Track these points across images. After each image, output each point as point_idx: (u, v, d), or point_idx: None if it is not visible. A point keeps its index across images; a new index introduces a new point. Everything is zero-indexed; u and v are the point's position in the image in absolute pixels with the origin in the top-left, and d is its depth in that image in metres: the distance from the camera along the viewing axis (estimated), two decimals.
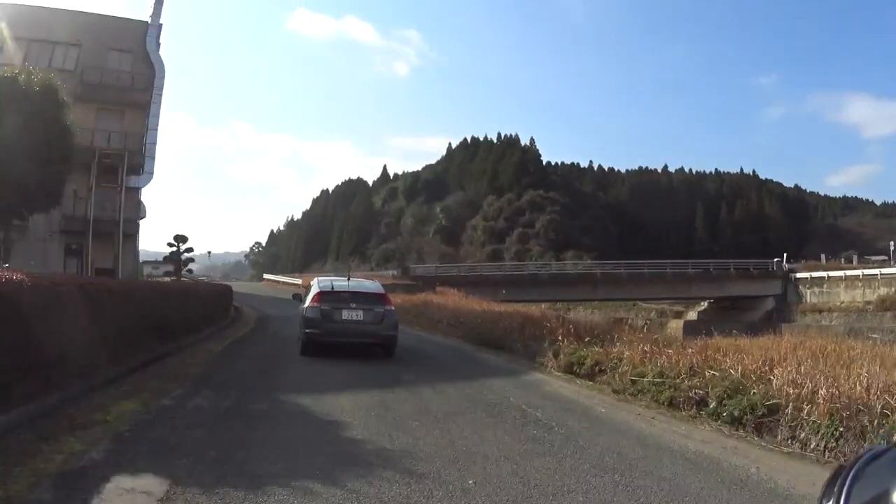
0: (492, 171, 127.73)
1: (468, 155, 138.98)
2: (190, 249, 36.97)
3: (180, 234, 36.50)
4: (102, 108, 34.12)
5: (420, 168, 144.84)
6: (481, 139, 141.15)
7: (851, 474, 0.99)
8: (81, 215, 31.41)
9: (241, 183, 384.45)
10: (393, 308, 13.64)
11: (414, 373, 11.07)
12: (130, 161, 33.09)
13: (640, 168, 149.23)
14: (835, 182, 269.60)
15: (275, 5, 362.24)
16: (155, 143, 34.79)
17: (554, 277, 55.94)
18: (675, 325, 50.79)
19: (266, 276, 62.80)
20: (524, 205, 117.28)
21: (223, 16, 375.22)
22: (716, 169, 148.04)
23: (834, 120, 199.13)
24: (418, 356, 14.01)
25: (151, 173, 34.86)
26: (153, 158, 34.64)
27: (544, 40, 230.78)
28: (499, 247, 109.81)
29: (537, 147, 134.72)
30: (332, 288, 13.39)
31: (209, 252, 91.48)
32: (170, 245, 36.25)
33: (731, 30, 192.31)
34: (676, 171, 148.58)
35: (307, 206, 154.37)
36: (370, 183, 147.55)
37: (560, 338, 12.25)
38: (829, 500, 0.98)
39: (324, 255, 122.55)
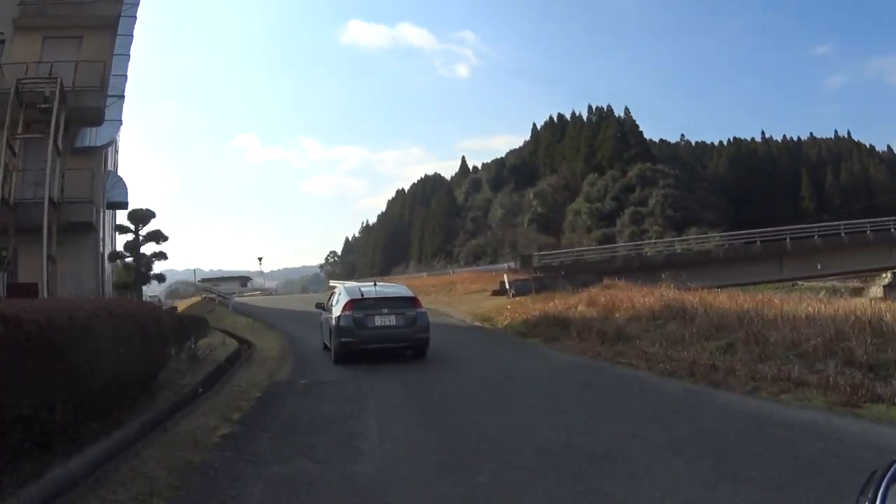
0: (587, 148, 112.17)
1: (556, 134, 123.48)
2: (158, 234, 23.45)
3: (140, 209, 23.45)
4: (51, 35, 21.25)
5: (503, 154, 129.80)
6: (568, 116, 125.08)
7: (887, 478, 0.99)
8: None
9: (315, 197, 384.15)
10: (424, 310, 13.80)
11: None
12: (82, 104, 19.75)
13: (735, 139, 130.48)
14: None
15: (328, 20, 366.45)
16: (126, 77, 21.52)
17: (731, 253, 40.16)
18: None
19: (333, 282, 49.76)
20: (632, 180, 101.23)
21: (279, 35, 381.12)
22: (811, 133, 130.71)
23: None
24: None
25: (118, 122, 21.61)
26: (122, 100, 21.33)
27: (598, 28, 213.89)
28: (609, 230, 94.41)
29: (634, 118, 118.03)
30: (363, 295, 13.48)
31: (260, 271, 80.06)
32: (121, 230, 23.26)
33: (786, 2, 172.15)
34: (764, 140, 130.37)
35: (376, 219, 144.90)
36: (448, 178, 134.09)
37: None
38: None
39: (404, 258, 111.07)
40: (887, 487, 0.98)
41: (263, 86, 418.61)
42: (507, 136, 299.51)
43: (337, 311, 13.38)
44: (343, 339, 12.83)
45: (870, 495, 0.99)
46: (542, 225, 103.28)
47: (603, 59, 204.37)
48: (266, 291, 66.97)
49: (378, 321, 12.95)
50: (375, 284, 15.22)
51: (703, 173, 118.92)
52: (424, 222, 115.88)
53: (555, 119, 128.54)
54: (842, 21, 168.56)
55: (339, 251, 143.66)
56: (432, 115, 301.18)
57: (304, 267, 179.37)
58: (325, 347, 14.87)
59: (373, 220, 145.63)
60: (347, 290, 14.27)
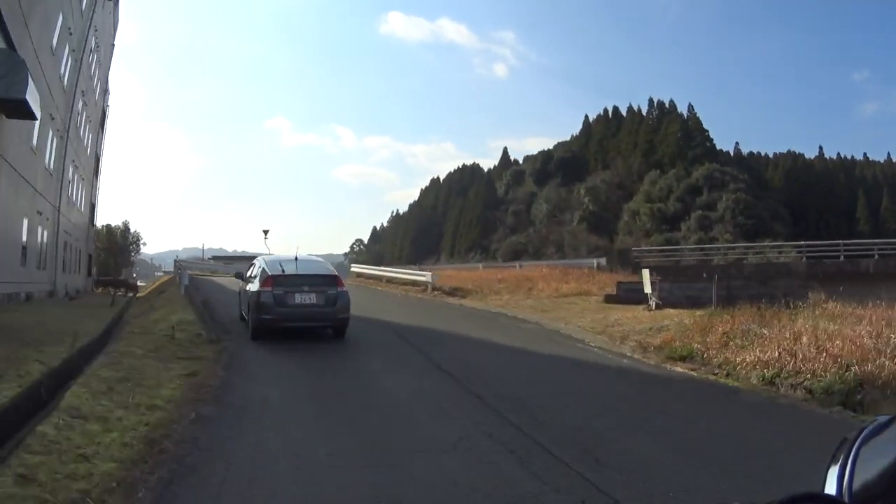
0: (646, 144, 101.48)
1: (610, 128, 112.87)
2: None
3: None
4: None
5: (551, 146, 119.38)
6: (625, 109, 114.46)
7: (856, 445, 0.98)
8: None
9: (344, 185, 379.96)
10: (346, 290, 13.63)
11: None
12: None
13: (790, 152, 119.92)
14: None
15: (368, 10, 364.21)
16: None
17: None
18: None
19: (356, 267, 41.28)
20: (699, 181, 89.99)
21: (317, 21, 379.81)
22: (865, 154, 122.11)
23: None
24: None
25: None
26: None
27: (639, 35, 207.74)
28: (672, 235, 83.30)
29: (698, 115, 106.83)
30: (283, 271, 13.11)
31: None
32: None
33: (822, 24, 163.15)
34: (820, 156, 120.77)
35: (406, 208, 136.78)
36: (486, 170, 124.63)
37: None
38: (833, 470, 0.97)
39: (435, 251, 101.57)
40: (857, 453, 0.95)
41: (298, 71, 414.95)
42: (542, 138, 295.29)
43: (256, 285, 13.24)
44: (262, 317, 12.72)
45: (839, 461, 0.95)
46: (594, 224, 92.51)
47: (644, 67, 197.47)
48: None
49: (298, 299, 12.83)
50: (297, 259, 14.01)
51: (768, 183, 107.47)
52: (461, 214, 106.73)
53: (609, 113, 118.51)
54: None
55: (365, 240, 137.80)
56: (466, 113, 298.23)
57: (328, 255, 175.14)
58: (242, 319, 14.81)
59: (405, 208, 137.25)
60: (268, 264, 13.66)
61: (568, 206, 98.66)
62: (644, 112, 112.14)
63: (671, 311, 16.33)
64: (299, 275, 13.20)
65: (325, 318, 13.10)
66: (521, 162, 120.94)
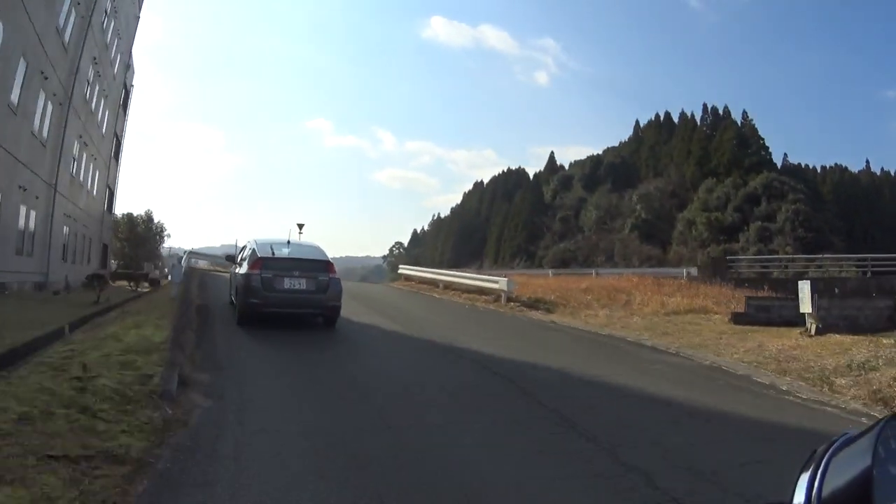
0: (700, 152, 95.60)
1: (662, 134, 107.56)
2: None
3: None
4: None
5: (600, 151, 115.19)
6: (677, 114, 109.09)
7: (826, 456, 0.99)
8: None
9: (384, 189, 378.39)
10: (338, 276, 13.09)
11: None
12: None
13: (836, 165, 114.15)
14: None
15: (411, 14, 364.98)
16: None
17: None
18: None
19: (404, 269, 34.32)
20: (757, 190, 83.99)
21: (359, 24, 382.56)
22: None
23: None
24: None
25: None
26: None
27: (682, 44, 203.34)
28: (729, 246, 76.74)
29: (753, 122, 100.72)
30: (274, 254, 12.52)
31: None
32: None
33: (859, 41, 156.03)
34: (867, 169, 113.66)
35: (448, 212, 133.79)
36: (531, 175, 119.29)
37: None
38: (803, 480, 0.97)
39: (478, 256, 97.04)
40: (827, 464, 0.96)
41: (340, 73, 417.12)
42: (584, 147, 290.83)
43: (245, 268, 12.76)
44: (249, 300, 12.13)
45: (809, 471, 0.96)
46: (646, 233, 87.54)
47: (684, 77, 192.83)
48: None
49: (287, 284, 12.23)
50: (289, 243, 13.43)
51: (821, 195, 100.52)
52: (506, 219, 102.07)
53: (660, 118, 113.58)
54: None
55: (405, 243, 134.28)
56: (508, 120, 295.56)
57: (366, 257, 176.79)
58: (232, 304, 14.29)
59: (445, 213, 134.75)
60: (259, 246, 12.96)
61: (619, 213, 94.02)
62: (697, 118, 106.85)
63: (837, 336, 11.57)
64: (290, 258, 12.64)
65: (314, 305, 12.58)
66: (566, 168, 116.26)
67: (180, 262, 20.07)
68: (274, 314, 12.21)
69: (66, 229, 27.35)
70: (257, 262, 12.25)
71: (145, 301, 17.44)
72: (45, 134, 22.47)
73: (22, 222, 20.71)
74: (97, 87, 30.78)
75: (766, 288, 22.55)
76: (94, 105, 30.65)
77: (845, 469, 0.94)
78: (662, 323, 15.37)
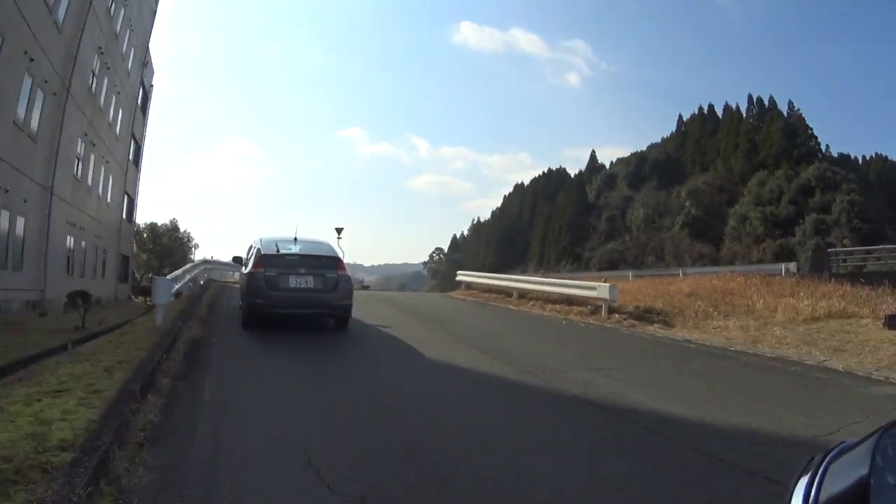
0: (748, 144, 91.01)
1: (706, 128, 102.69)
2: None
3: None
4: None
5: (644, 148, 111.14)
6: (721, 107, 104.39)
7: (824, 463, 0.99)
8: None
9: (421, 195, 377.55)
10: (347, 274, 12.18)
11: None
12: None
13: (878, 155, 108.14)
14: None
15: (439, 20, 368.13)
16: None
17: None
18: None
19: (463, 275, 27.52)
20: (810, 181, 78.89)
21: (388, 32, 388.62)
22: None
23: None
24: None
25: None
26: None
27: (712, 41, 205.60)
28: (785, 241, 73.48)
29: (800, 112, 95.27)
30: (278, 250, 11.65)
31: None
32: None
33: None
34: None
35: (487, 216, 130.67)
36: (572, 175, 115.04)
37: None
38: (800, 487, 0.97)
39: (522, 260, 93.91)
40: (825, 471, 0.96)
41: (371, 81, 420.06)
42: (617, 147, 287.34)
43: (248, 267, 11.99)
44: (253, 300, 11.27)
45: (807, 479, 0.97)
46: (696, 230, 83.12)
47: (718, 72, 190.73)
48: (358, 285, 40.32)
49: (293, 282, 11.28)
50: (296, 240, 12.58)
51: (870, 185, 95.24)
52: (549, 221, 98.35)
53: (704, 110, 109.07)
54: None
55: (444, 249, 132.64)
56: (541, 123, 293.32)
57: (404, 264, 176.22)
58: (240, 307, 12.97)
59: (483, 218, 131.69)
60: (263, 244, 12.06)
61: (667, 210, 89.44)
62: (742, 111, 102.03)
63: None
64: (295, 255, 11.80)
65: (322, 305, 11.62)
66: (606, 167, 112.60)
67: (173, 277, 15.32)
68: (281, 315, 11.34)
69: (70, 240, 24.18)
70: (260, 259, 11.36)
71: (139, 326, 13.75)
72: (33, 126, 19.27)
73: (3, 229, 17.46)
74: (106, 81, 27.67)
75: (886, 284, 18.64)
76: (102, 101, 27.53)
77: (842, 477, 0.93)
78: (813, 334, 11.44)
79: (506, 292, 21.40)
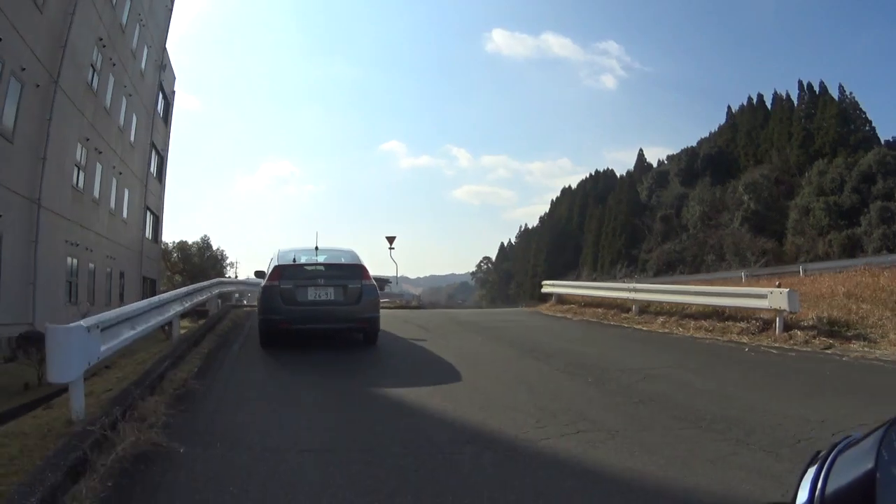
0: (802, 133, 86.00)
1: (757, 118, 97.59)
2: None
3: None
4: None
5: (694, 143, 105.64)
6: (771, 96, 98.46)
7: (830, 457, 1.00)
8: None
9: (464, 205, 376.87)
10: (373, 283, 10.90)
11: None
12: None
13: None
14: None
15: (471, 29, 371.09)
16: None
17: None
18: None
19: (551, 286, 21.09)
20: (871, 167, 73.12)
21: (421, 43, 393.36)
22: None
23: None
24: None
25: None
26: None
27: (745, 36, 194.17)
28: (851, 231, 69.12)
29: (854, 96, 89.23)
30: (294, 261, 10.76)
31: None
32: None
33: None
34: None
35: (533, 223, 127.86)
36: (619, 175, 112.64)
37: None
38: (807, 480, 0.98)
39: (574, 265, 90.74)
40: (831, 464, 0.97)
41: (407, 94, 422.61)
42: (659, 147, 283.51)
43: (264, 280, 10.79)
44: (269, 317, 10.28)
45: (813, 471, 0.97)
46: (756, 225, 78.95)
47: (761, 61, 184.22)
48: (404, 301, 30.51)
49: (312, 294, 10.28)
50: (317, 249, 11.47)
51: None
52: (601, 223, 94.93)
53: (753, 101, 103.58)
54: None
55: (492, 258, 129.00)
56: (580, 127, 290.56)
57: (450, 275, 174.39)
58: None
59: (531, 225, 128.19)
60: (280, 254, 11.25)
61: (724, 206, 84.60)
62: (794, 98, 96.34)
63: None
64: (314, 265, 10.72)
65: (346, 319, 10.36)
66: (654, 165, 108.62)
67: (173, 302, 10.91)
68: (301, 331, 10.35)
69: (72, 262, 20.66)
70: (275, 271, 10.38)
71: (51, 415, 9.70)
72: (7, 123, 15.68)
73: None
74: (112, 80, 24.22)
75: None
76: (108, 101, 24.06)
77: (849, 470, 0.93)
78: None
79: (618, 305, 16.63)
